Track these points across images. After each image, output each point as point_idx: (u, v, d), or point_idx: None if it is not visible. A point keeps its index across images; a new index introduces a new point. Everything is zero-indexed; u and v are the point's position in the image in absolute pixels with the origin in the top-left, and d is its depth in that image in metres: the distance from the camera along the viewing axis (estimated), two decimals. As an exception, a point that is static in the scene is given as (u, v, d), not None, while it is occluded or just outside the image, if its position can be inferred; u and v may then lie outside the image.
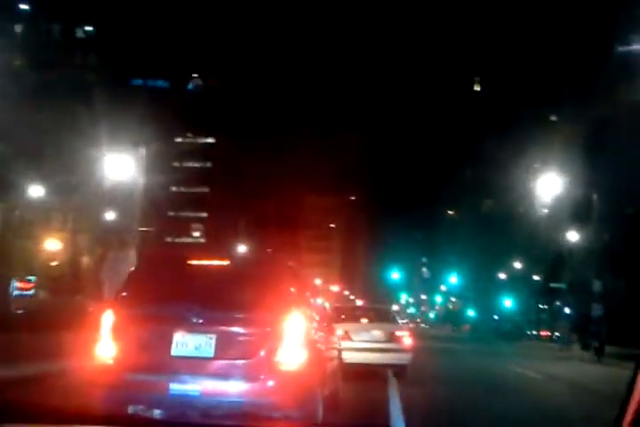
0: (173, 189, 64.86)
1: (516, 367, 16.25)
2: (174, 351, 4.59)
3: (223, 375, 4.54)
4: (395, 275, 48.87)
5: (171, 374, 4.55)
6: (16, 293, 33.95)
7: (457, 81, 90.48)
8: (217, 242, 52.90)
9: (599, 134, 33.89)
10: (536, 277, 51.67)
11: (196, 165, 69.37)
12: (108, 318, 4.79)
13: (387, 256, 76.85)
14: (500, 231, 60.34)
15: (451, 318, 78.04)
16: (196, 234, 53.69)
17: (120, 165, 20.78)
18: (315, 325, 5.45)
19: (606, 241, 32.77)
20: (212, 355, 4.57)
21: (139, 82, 62.78)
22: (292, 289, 5.07)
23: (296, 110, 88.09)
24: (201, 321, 4.63)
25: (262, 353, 4.53)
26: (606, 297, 27.82)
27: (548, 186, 31.67)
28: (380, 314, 12.50)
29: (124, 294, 5.04)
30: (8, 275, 32.15)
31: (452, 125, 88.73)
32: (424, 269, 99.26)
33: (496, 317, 62.27)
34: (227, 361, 4.58)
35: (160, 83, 69.81)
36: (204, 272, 5.18)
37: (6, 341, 9.53)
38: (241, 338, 4.62)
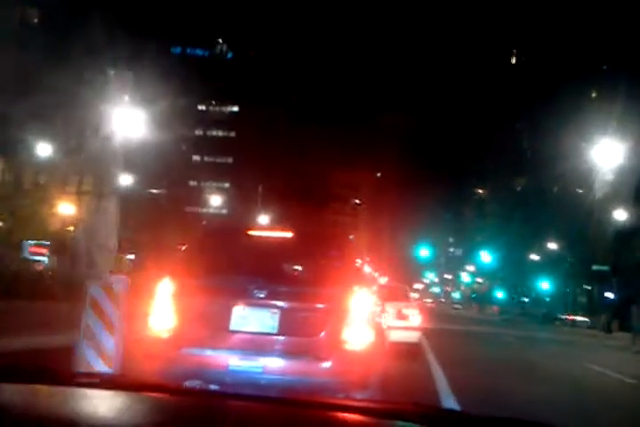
0: (196, 157, 63.20)
1: (586, 363, 12.94)
2: (233, 326, 4.37)
3: (287, 353, 4.32)
4: (424, 251, 46.77)
5: (230, 350, 4.33)
6: (30, 257, 33.10)
7: (487, 55, 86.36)
8: (239, 213, 51.31)
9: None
10: (571, 259, 49.02)
11: (220, 134, 67.38)
12: (163, 289, 4.53)
13: (413, 234, 74.90)
14: (534, 210, 57.47)
15: (478, 298, 75.73)
16: (217, 204, 51.98)
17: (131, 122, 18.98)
18: (375, 301, 5.22)
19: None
20: (275, 331, 4.34)
21: (177, 50, 61.22)
22: (357, 264, 4.87)
23: (325, 84, 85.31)
24: (264, 295, 4.37)
25: (328, 330, 4.32)
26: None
27: (600, 159, 28.79)
28: (392, 292, 12.40)
29: (180, 263, 4.81)
30: (19, 239, 31.01)
31: (482, 103, 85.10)
32: (451, 249, 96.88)
33: (526, 299, 59.79)
34: (291, 338, 4.37)
35: (198, 51, 68.04)
36: (266, 244, 4.92)
37: (28, 309, 8.68)
38: (306, 314, 4.40)
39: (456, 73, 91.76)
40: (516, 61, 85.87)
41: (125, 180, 33.60)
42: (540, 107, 59.07)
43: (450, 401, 6.15)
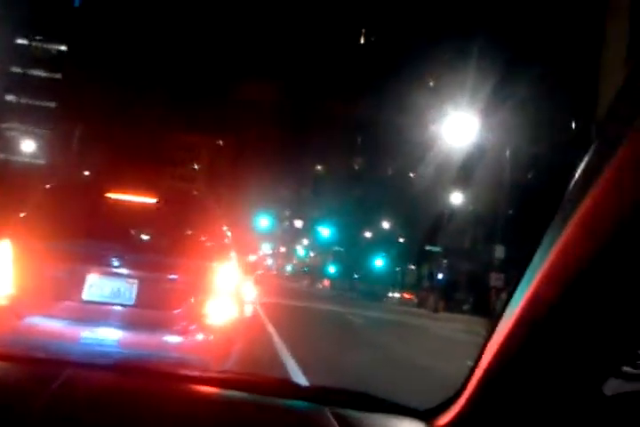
0: (10, 97, 54.66)
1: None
2: (86, 295, 3.99)
3: (145, 326, 4.02)
4: (263, 222, 45.35)
5: (82, 321, 3.97)
6: None
7: (335, 35, 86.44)
8: (59, 167, 45.15)
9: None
10: (402, 239, 50.66)
11: (43, 74, 58.95)
12: (3, 249, 4.02)
13: (252, 205, 73.47)
14: (370, 189, 58.62)
15: (310, 272, 76.49)
16: (31, 151, 45.16)
17: None
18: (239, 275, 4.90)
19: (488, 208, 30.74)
20: (132, 302, 4.03)
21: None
22: (225, 235, 4.60)
23: (173, 39, 79.24)
24: (121, 263, 4.06)
25: (190, 304, 4.05)
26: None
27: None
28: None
29: (25, 223, 4.26)
30: None
31: (328, 79, 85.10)
32: (287, 222, 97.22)
33: (356, 275, 61.21)
34: (149, 310, 4.08)
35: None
36: (127, 209, 4.51)
37: None
38: (167, 286, 4.12)
39: (308, 48, 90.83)
40: (365, 41, 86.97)
41: None
42: (384, 88, 59.87)
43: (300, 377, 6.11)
